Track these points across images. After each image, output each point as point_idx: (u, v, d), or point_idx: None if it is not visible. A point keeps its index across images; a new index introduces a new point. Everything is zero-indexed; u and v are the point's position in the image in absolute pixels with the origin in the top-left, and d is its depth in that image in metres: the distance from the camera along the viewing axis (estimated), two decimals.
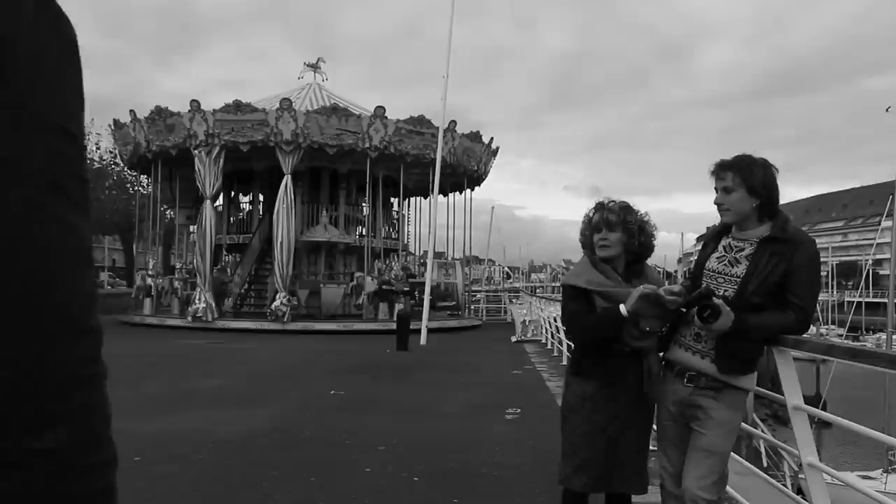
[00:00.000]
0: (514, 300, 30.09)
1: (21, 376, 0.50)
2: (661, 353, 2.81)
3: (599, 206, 2.89)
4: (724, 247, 2.66)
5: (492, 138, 23.60)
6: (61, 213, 0.51)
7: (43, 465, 0.52)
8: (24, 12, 0.50)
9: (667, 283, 2.87)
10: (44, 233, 0.50)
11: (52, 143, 0.51)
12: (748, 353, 2.56)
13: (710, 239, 2.75)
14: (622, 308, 2.68)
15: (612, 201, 2.89)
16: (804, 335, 2.56)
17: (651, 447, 5.04)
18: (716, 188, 2.62)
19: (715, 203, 2.63)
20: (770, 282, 2.47)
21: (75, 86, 0.55)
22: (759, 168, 2.56)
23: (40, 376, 0.51)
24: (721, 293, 2.55)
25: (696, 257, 2.91)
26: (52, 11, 0.53)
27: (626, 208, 2.86)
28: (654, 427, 2.90)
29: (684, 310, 2.66)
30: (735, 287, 2.53)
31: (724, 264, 2.61)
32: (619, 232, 2.81)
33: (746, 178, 2.54)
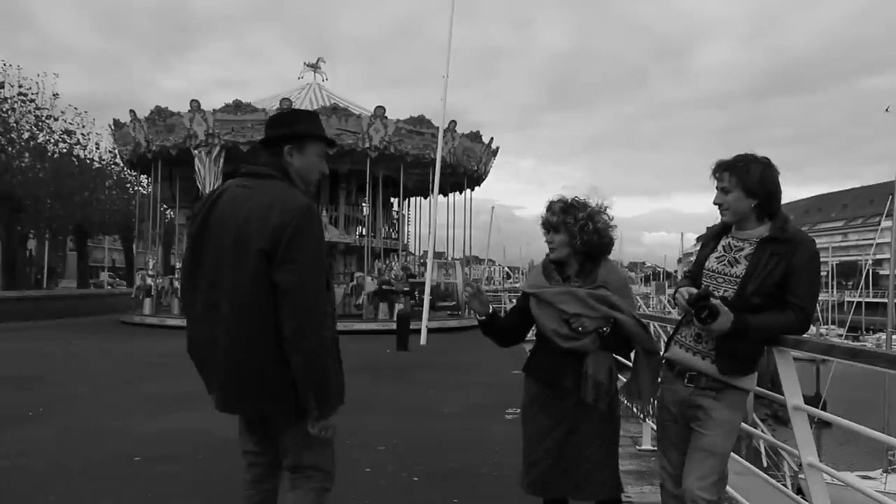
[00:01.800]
0: (514, 300, 30.11)
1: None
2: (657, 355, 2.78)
3: (547, 207, 2.80)
4: (723, 246, 2.65)
5: (492, 138, 23.62)
6: (325, 280, 2.30)
7: (327, 338, 2.27)
8: (310, 210, 2.27)
9: (665, 283, 2.85)
10: (324, 285, 2.29)
11: (323, 260, 2.30)
12: (748, 353, 2.55)
13: (710, 238, 2.74)
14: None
15: (560, 200, 2.80)
16: (804, 335, 2.56)
17: (651, 447, 5.07)
18: (717, 188, 2.62)
19: (714, 203, 2.63)
20: (770, 282, 2.46)
21: (321, 235, 2.31)
22: (756, 168, 2.54)
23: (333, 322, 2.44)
24: (721, 293, 2.54)
25: (695, 257, 2.90)
26: (313, 208, 2.30)
27: (565, 208, 2.76)
28: (654, 427, 2.88)
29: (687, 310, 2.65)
30: (735, 287, 2.52)
31: (724, 264, 2.60)
32: (562, 233, 2.73)
33: (742, 178, 2.53)
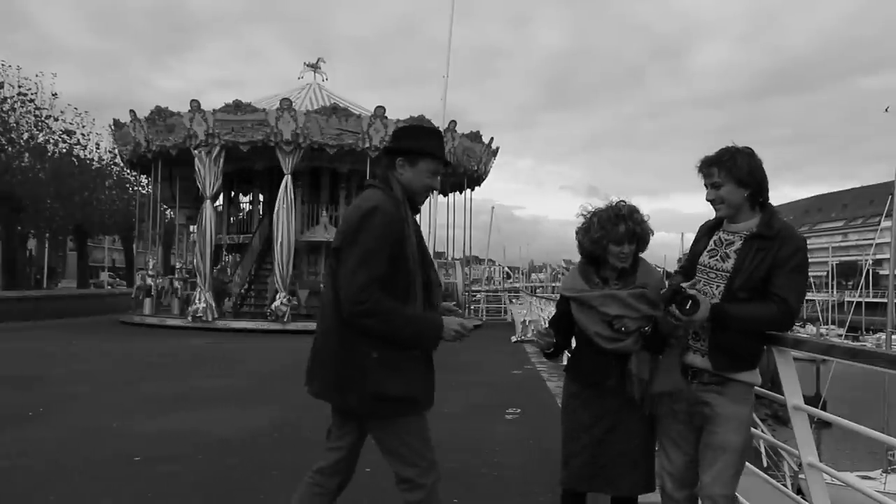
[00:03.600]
0: (514, 300, 30.11)
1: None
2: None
3: (620, 218, 2.73)
4: (715, 241, 2.67)
5: (492, 138, 23.60)
6: (375, 275, 2.41)
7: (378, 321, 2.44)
8: (372, 211, 2.45)
9: (667, 282, 2.83)
10: (368, 278, 2.40)
11: (371, 256, 2.42)
12: (742, 349, 2.55)
13: (703, 234, 2.76)
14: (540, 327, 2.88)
15: (622, 208, 2.78)
16: (803, 335, 2.56)
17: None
18: (706, 185, 2.63)
19: (707, 200, 2.65)
20: (756, 277, 2.48)
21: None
22: (743, 158, 2.55)
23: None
24: (714, 288, 2.57)
25: (688, 252, 2.91)
26: (378, 209, 2.45)
27: (640, 221, 2.78)
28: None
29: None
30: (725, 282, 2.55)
31: (716, 259, 2.62)
32: (634, 243, 2.77)
33: (732, 171, 2.55)
